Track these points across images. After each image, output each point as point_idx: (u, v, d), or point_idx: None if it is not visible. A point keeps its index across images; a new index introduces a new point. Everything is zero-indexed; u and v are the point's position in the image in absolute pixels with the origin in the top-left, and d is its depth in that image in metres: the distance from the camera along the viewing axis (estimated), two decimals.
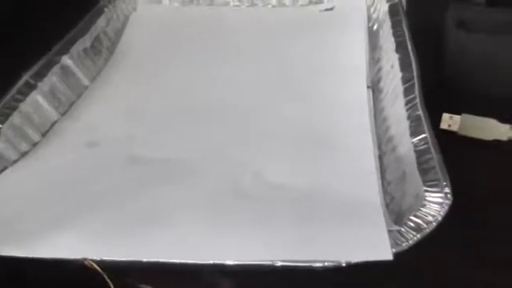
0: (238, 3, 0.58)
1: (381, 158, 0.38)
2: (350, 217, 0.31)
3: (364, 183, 0.34)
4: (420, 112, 0.36)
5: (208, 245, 0.29)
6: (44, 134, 0.42)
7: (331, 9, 0.56)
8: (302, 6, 0.57)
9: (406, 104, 0.38)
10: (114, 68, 0.51)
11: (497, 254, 0.35)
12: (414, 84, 0.39)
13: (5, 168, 0.38)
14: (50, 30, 0.51)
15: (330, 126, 0.41)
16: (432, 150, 0.33)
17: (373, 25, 0.52)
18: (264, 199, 0.33)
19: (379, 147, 0.39)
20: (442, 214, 0.29)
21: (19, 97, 0.41)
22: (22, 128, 0.41)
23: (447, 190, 0.30)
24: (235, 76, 0.48)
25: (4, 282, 0.33)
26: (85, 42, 0.50)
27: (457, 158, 0.39)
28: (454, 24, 0.49)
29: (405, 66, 0.41)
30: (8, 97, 0.41)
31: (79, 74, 0.48)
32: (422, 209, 0.30)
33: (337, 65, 0.48)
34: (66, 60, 0.47)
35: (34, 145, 0.41)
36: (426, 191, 0.31)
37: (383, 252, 0.27)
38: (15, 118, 0.40)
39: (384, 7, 0.51)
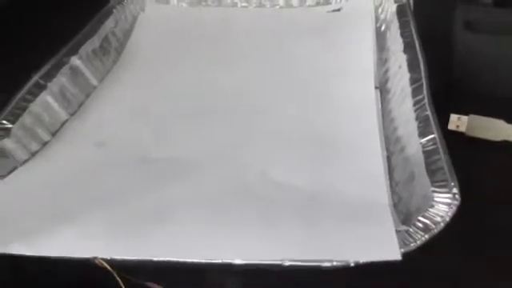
0: (245, 4, 0.58)
1: (389, 158, 0.38)
2: (357, 217, 0.31)
3: (372, 184, 0.34)
4: (428, 112, 0.36)
5: (216, 244, 0.29)
6: (54, 134, 0.43)
7: (339, 10, 0.56)
8: (309, 6, 0.57)
9: (415, 105, 0.38)
10: (122, 68, 0.51)
11: (505, 256, 0.35)
12: (422, 84, 0.39)
13: (15, 168, 0.38)
14: (59, 31, 0.51)
15: (338, 127, 0.41)
16: (440, 150, 0.33)
17: (380, 25, 0.52)
18: (271, 199, 0.33)
19: (387, 148, 0.39)
20: (450, 214, 0.29)
21: (29, 97, 0.42)
22: (33, 128, 0.41)
23: (455, 190, 0.30)
24: (242, 77, 0.48)
25: (4, 282, 0.34)
26: (94, 42, 0.50)
27: (465, 158, 0.39)
28: (461, 25, 0.50)
29: (413, 66, 0.41)
30: (18, 97, 0.41)
31: (88, 74, 0.48)
32: (430, 209, 0.30)
33: (344, 66, 0.48)
34: (75, 60, 0.47)
35: (44, 144, 0.41)
36: (434, 192, 0.31)
37: (391, 252, 0.27)
38: (26, 119, 0.40)
39: (392, 8, 0.52)
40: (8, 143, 0.39)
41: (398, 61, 0.44)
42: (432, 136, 0.34)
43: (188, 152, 0.40)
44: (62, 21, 0.56)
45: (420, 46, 0.44)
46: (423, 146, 0.34)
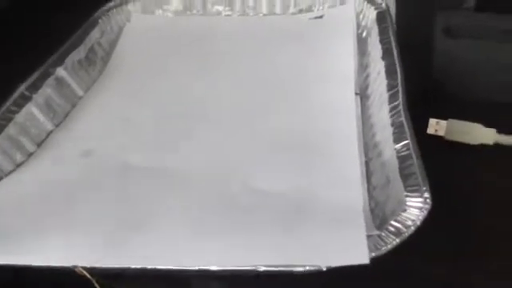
0: (229, 12, 0.59)
1: (367, 163, 0.39)
2: (331, 222, 0.31)
3: (347, 189, 0.35)
4: (403, 118, 0.37)
5: (193, 251, 0.30)
6: (39, 145, 0.43)
7: (321, 17, 0.56)
8: (292, 14, 0.58)
9: (391, 111, 0.38)
10: (108, 78, 0.52)
11: (480, 258, 0.36)
12: (398, 91, 0.40)
13: (0, 178, 0.39)
14: (45, 41, 0.52)
15: (318, 133, 0.42)
16: (413, 155, 0.34)
17: (362, 32, 0.53)
18: (248, 205, 0.34)
19: (366, 153, 0.40)
20: (420, 218, 0.30)
21: (14, 108, 0.42)
22: (18, 139, 0.42)
23: (427, 194, 0.31)
24: (226, 85, 0.49)
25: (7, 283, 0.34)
26: (79, 53, 0.51)
27: (443, 162, 0.40)
28: (441, 30, 0.50)
29: (390, 72, 0.42)
30: (3, 109, 0.42)
31: (74, 85, 0.49)
32: (402, 213, 0.30)
33: (326, 72, 0.48)
34: (61, 71, 0.48)
35: (30, 155, 0.42)
36: (407, 196, 0.31)
37: (360, 256, 0.27)
38: (11, 130, 0.41)
39: (372, 14, 0.52)
40: None
41: (377, 67, 0.45)
42: (406, 142, 0.35)
43: (172, 160, 0.41)
44: (63, 21, 0.57)
45: (398, 52, 0.44)
46: (397, 151, 0.35)
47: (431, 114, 0.45)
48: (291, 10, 0.58)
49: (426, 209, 0.30)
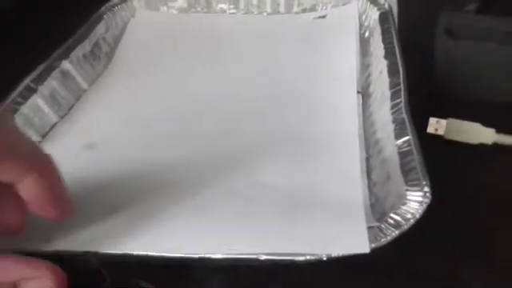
0: (234, 11, 0.60)
1: (368, 160, 0.39)
2: (332, 214, 0.32)
3: (348, 184, 0.35)
4: (404, 115, 0.37)
5: (195, 240, 0.30)
6: (44, 136, 0.44)
7: (324, 17, 0.57)
8: (296, 13, 0.59)
9: (392, 108, 0.39)
10: (112, 73, 0.52)
11: (479, 254, 0.36)
12: (400, 89, 0.40)
13: None
14: (50, 36, 0.53)
15: (320, 130, 0.42)
16: (414, 151, 0.34)
17: (364, 32, 0.54)
18: (250, 197, 0.35)
19: (367, 150, 0.40)
20: (420, 211, 0.30)
21: (20, 100, 0.43)
22: (23, 130, 0.42)
23: (427, 189, 0.31)
24: (229, 82, 0.49)
25: None
26: (84, 47, 0.51)
27: (442, 161, 0.41)
28: (443, 31, 0.51)
29: (392, 72, 0.43)
30: (9, 100, 0.43)
31: (78, 78, 0.49)
32: (402, 207, 0.31)
33: (328, 71, 0.49)
34: (66, 64, 0.48)
35: None
36: (407, 190, 0.32)
37: (361, 246, 0.28)
38: (16, 120, 0.41)
39: (375, 15, 0.53)
40: None
41: (379, 66, 0.45)
42: (407, 138, 0.36)
43: (175, 153, 0.41)
44: (62, 20, 0.58)
45: (400, 51, 0.45)
46: (399, 147, 0.35)
47: (431, 113, 0.46)
48: (295, 9, 0.59)
49: (425, 202, 0.31)
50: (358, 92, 0.46)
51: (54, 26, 0.60)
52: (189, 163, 0.40)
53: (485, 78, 0.49)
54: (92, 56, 0.52)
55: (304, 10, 0.59)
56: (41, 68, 0.46)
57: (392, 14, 0.52)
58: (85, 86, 0.50)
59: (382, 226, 0.30)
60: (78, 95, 0.48)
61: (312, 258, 0.28)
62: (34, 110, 0.44)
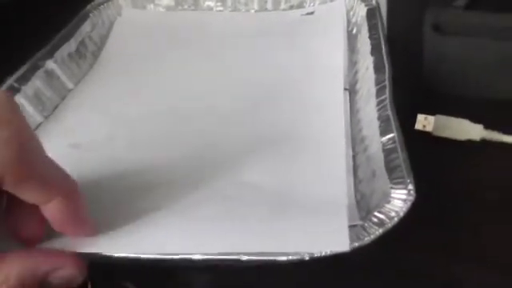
0: (221, 8, 0.59)
1: (354, 157, 0.39)
2: (314, 213, 0.32)
3: (332, 182, 0.35)
4: (389, 112, 0.37)
5: (174, 240, 0.30)
6: None
7: (312, 13, 0.57)
8: (283, 10, 0.58)
9: (378, 105, 0.39)
10: (98, 72, 0.52)
11: (467, 252, 0.36)
12: (385, 86, 0.40)
13: None
14: (35, 35, 0.52)
15: (306, 128, 0.42)
16: (399, 148, 0.34)
17: (352, 28, 0.53)
18: (234, 197, 0.34)
19: (353, 147, 0.40)
20: (404, 209, 0.30)
21: None
22: None
23: (411, 186, 0.31)
24: (216, 80, 0.49)
25: None
26: (70, 46, 0.51)
27: (430, 157, 0.41)
28: (431, 27, 0.51)
29: (378, 68, 0.42)
30: None
31: (63, 78, 0.49)
32: (386, 205, 0.31)
33: (315, 68, 0.49)
34: (51, 64, 0.48)
35: None
36: (392, 188, 0.32)
37: (341, 244, 0.28)
38: None
39: (362, 11, 0.53)
40: None
41: (366, 63, 0.45)
42: (392, 135, 0.35)
43: (160, 153, 0.41)
44: (49, 19, 0.57)
45: (387, 48, 0.45)
46: (383, 144, 0.35)
47: (419, 109, 0.46)
48: (282, 6, 0.58)
49: (409, 200, 0.30)
50: (346, 89, 0.46)
51: (41, 25, 0.59)
52: (173, 163, 0.39)
53: (473, 75, 0.49)
54: (78, 55, 0.52)
55: (291, 7, 0.58)
56: (25, 68, 0.46)
57: (379, 11, 0.51)
58: (70, 85, 0.49)
59: (366, 224, 0.30)
60: (63, 95, 0.48)
61: (294, 257, 0.27)
62: None
